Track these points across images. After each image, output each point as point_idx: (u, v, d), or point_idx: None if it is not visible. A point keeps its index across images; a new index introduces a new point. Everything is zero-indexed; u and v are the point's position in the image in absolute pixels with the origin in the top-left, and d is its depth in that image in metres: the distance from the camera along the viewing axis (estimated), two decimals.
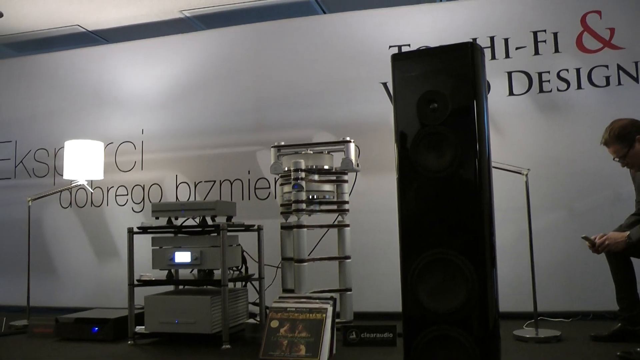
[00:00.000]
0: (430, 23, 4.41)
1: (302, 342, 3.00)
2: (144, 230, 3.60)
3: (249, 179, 4.69)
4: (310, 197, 3.60)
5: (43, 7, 4.90)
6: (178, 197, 4.86)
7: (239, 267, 3.75)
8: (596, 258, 3.18)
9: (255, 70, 4.79)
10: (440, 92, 2.14)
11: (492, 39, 4.28)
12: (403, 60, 2.26)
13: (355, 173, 3.87)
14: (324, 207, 3.69)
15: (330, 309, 3.10)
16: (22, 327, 4.11)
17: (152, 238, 3.61)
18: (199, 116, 4.89)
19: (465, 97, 2.11)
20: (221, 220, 3.58)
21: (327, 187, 3.67)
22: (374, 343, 3.26)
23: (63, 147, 4.50)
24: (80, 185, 4.48)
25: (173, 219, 3.64)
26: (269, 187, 4.61)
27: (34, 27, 5.32)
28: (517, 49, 4.23)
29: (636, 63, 4.00)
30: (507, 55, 4.24)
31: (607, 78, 4.04)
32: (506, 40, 4.25)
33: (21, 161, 5.36)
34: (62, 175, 4.58)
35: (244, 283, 3.86)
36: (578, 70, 4.09)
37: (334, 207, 3.71)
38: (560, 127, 4.08)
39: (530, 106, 4.16)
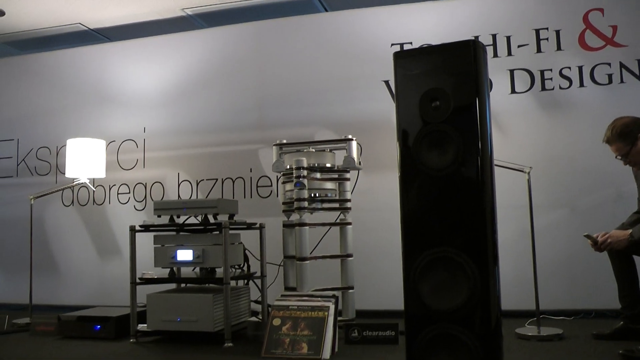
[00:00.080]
0: (432, 21, 4.41)
1: (304, 340, 3.00)
2: (146, 228, 3.60)
3: (251, 177, 4.69)
4: (312, 195, 3.60)
5: (45, 6, 4.90)
6: (180, 195, 4.86)
7: (241, 265, 3.76)
8: (598, 256, 3.18)
9: (257, 68, 4.80)
10: (443, 90, 2.13)
11: (494, 36, 4.27)
12: (405, 58, 2.26)
13: (357, 171, 3.87)
14: (326, 205, 3.68)
15: (332, 307, 3.10)
16: (24, 325, 4.12)
17: (154, 236, 3.62)
18: (200, 114, 4.89)
19: (467, 95, 2.10)
20: (223, 218, 3.58)
21: (329, 185, 3.67)
22: (376, 341, 3.26)
23: (65, 145, 4.50)
24: (82, 183, 4.48)
25: (175, 217, 3.64)
26: (271, 185, 4.61)
27: (36, 25, 5.32)
28: (519, 46, 4.22)
29: (638, 61, 3.99)
30: (509, 53, 4.24)
31: (610, 76, 4.03)
32: (508, 38, 4.24)
33: (23, 159, 5.37)
34: (64, 174, 4.59)
35: (246, 281, 3.86)
36: (580, 68, 4.09)
37: (336, 205, 3.71)
38: (562, 125, 4.08)
39: (533, 104, 4.15)
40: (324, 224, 3.70)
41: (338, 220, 3.72)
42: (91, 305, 4.34)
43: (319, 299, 3.18)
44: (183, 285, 3.93)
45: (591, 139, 3.69)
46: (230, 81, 4.85)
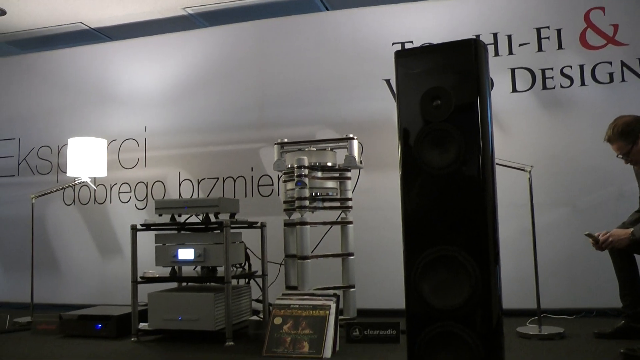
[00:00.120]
0: (433, 20, 4.41)
1: (306, 339, 3.00)
2: (147, 227, 3.60)
3: (252, 176, 4.69)
4: (314, 194, 3.60)
5: (46, 5, 4.90)
6: (181, 194, 4.86)
7: (242, 264, 3.76)
8: (599, 255, 3.18)
9: (258, 67, 4.80)
10: (444, 89, 2.13)
11: (495, 35, 4.27)
12: (406, 57, 2.26)
13: (358, 170, 3.87)
14: (327, 204, 3.69)
15: (333, 305, 3.10)
16: (25, 324, 4.12)
17: (156, 235, 3.62)
18: (202, 113, 4.89)
19: (468, 93, 2.10)
20: (224, 217, 3.58)
21: (331, 184, 3.67)
22: (377, 340, 3.27)
23: (66, 144, 4.50)
24: (83, 182, 4.49)
25: (176, 216, 3.64)
26: (272, 184, 4.61)
27: (37, 24, 5.32)
28: (520, 45, 4.22)
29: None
30: (511, 52, 4.24)
31: (611, 74, 4.03)
32: (509, 36, 4.24)
33: (24, 158, 5.38)
34: (65, 173, 4.59)
35: (247, 280, 3.86)
36: (581, 67, 4.09)
37: (337, 204, 3.71)
38: (563, 123, 4.08)
39: (534, 103, 4.15)
40: (325, 223, 3.70)
41: (339, 219, 3.72)
42: (92, 304, 4.35)
43: (320, 297, 3.18)
44: (184, 284, 3.92)
45: (592, 137, 3.69)
46: (232, 80, 4.85)
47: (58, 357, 3.18)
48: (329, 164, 3.68)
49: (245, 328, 3.64)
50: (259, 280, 3.77)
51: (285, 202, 3.76)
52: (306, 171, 3.52)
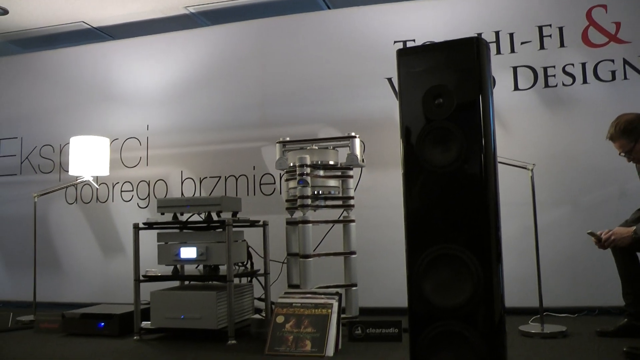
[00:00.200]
0: (435, 18, 4.40)
1: (308, 337, 3.01)
2: (149, 225, 3.61)
3: (254, 175, 4.69)
4: (316, 192, 3.60)
5: (48, 4, 4.91)
6: (183, 192, 4.87)
7: (245, 263, 3.76)
8: (602, 253, 3.18)
9: (260, 66, 4.80)
10: (446, 87, 2.13)
11: (497, 33, 4.26)
12: (408, 56, 2.26)
13: (360, 168, 3.87)
14: (329, 202, 3.69)
15: (335, 304, 3.10)
16: (28, 323, 4.13)
17: (158, 234, 3.62)
18: (204, 112, 4.90)
19: (470, 92, 2.10)
20: (226, 215, 3.58)
21: (333, 182, 3.67)
22: (379, 338, 3.27)
23: (68, 143, 4.51)
24: (85, 181, 4.49)
25: (178, 215, 3.64)
26: (274, 183, 4.62)
27: (39, 23, 5.33)
28: (522, 43, 4.21)
29: None
30: (513, 50, 4.23)
31: (613, 72, 4.02)
32: (511, 35, 4.24)
33: (27, 157, 5.38)
34: (67, 172, 4.59)
35: (249, 278, 3.87)
36: (584, 65, 4.08)
37: (339, 202, 3.71)
38: (565, 122, 4.07)
39: (536, 101, 4.15)
40: (327, 222, 3.70)
41: (341, 218, 3.72)
42: (95, 303, 4.35)
43: (323, 296, 3.18)
44: (186, 282, 3.93)
45: (594, 135, 3.68)
46: (234, 79, 4.85)
47: (60, 356, 3.18)
48: (331, 162, 3.68)
49: (248, 327, 3.64)
50: (261, 279, 3.78)
51: (287, 200, 3.76)
52: (308, 170, 3.52)
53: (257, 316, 3.72)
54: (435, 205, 2.13)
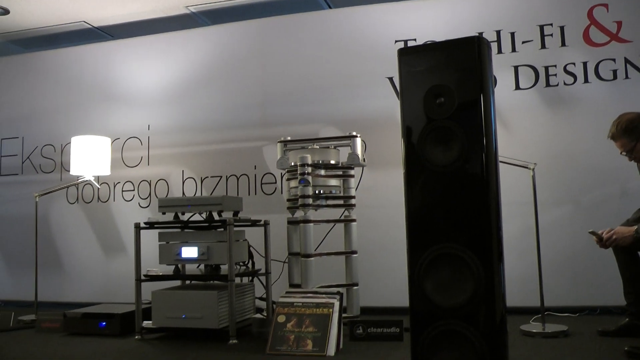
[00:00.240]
0: (436, 17, 4.40)
1: (309, 336, 3.01)
2: (150, 225, 3.61)
3: (255, 174, 4.69)
4: (317, 192, 3.60)
5: (49, 4, 4.91)
6: (184, 192, 4.87)
7: (246, 262, 3.76)
8: (603, 253, 3.17)
9: (261, 66, 4.80)
10: (447, 87, 2.13)
11: (498, 32, 4.26)
12: (409, 55, 2.26)
13: (361, 168, 3.87)
14: (330, 202, 3.69)
15: (337, 303, 3.10)
16: (30, 322, 4.13)
17: (159, 233, 3.62)
18: (204, 112, 4.90)
19: (472, 91, 2.10)
20: (228, 215, 3.58)
21: (334, 182, 3.67)
22: (380, 338, 3.27)
23: (70, 143, 4.51)
24: (87, 180, 4.49)
25: (180, 214, 3.65)
26: (275, 182, 4.62)
27: (40, 23, 5.33)
28: (523, 42, 4.21)
29: None
30: (514, 49, 4.23)
31: (614, 72, 4.02)
32: (512, 34, 4.23)
33: (28, 157, 5.39)
34: (68, 171, 4.60)
35: (250, 278, 3.87)
36: (585, 64, 4.07)
37: (341, 202, 3.71)
38: (566, 121, 4.07)
39: (537, 100, 4.14)
40: (328, 221, 3.70)
41: (342, 217, 3.72)
42: (96, 302, 4.35)
43: (324, 295, 3.18)
44: (188, 282, 3.94)
45: (596, 135, 3.68)
46: (234, 78, 4.85)
47: (62, 355, 3.19)
48: (332, 162, 3.68)
49: (249, 326, 3.64)
50: (263, 278, 3.78)
51: (288, 200, 3.76)
52: (309, 169, 3.53)
53: (258, 316, 3.72)
54: (436, 204, 2.14)
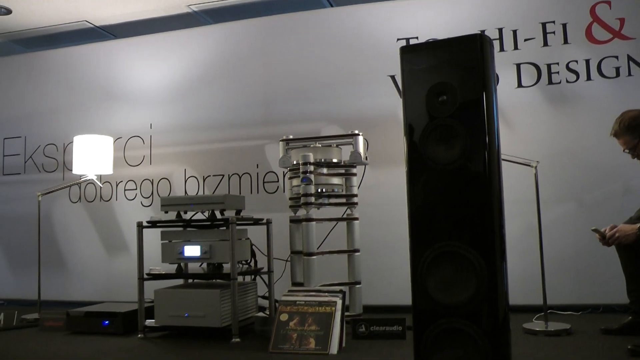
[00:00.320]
0: (438, 15, 4.39)
1: (312, 335, 3.01)
2: (153, 224, 3.61)
3: (257, 173, 4.69)
4: (319, 190, 3.60)
5: (51, 3, 4.91)
6: (187, 191, 4.87)
7: (248, 261, 3.76)
8: (606, 250, 3.17)
9: (263, 64, 4.79)
10: (449, 84, 2.13)
11: (500, 30, 4.25)
12: (411, 53, 2.25)
13: (364, 166, 3.86)
14: (332, 200, 3.69)
15: (339, 302, 3.10)
16: (33, 321, 4.14)
17: (162, 232, 3.63)
18: (207, 110, 4.90)
19: (474, 89, 2.10)
20: (230, 214, 3.58)
21: (336, 180, 3.67)
22: (383, 336, 3.27)
23: (72, 142, 4.51)
24: (89, 180, 4.50)
25: (182, 213, 3.65)
26: (278, 181, 4.62)
27: (42, 23, 5.33)
28: (525, 40, 4.20)
29: None
30: (516, 47, 4.22)
31: (617, 69, 4.01)
32: (515, 31, 4.22)
33: (30, 156, 5.40)
34: (71, 170, 4.60)
35: (253, 276, 3.87)
36: (587, 62, 4.07)
37: (343, 200, 3.71)
38: (569, 118, 4.06)
39: (539, 98, 4.14)
40: (330, 219, 3.70)
41: (345, 216, 3.72)
42: (99, 301, 4.36)
43: (326, 294, 3.18)
44: (190, 280, 3.94)
45: (598, 132, 3.68)
46: (236, 77, 4.85)
47: (65, 354, 3.19)
48: (335, 160, 3.68)
49: (252, 324, 3.64)
50: (265, 277, 3.77)
51: (290, 198, 3.76)
52: (312, 167, 3.52)
53: (260, 314, 3.72)
54: (439, 202, 2.13)
